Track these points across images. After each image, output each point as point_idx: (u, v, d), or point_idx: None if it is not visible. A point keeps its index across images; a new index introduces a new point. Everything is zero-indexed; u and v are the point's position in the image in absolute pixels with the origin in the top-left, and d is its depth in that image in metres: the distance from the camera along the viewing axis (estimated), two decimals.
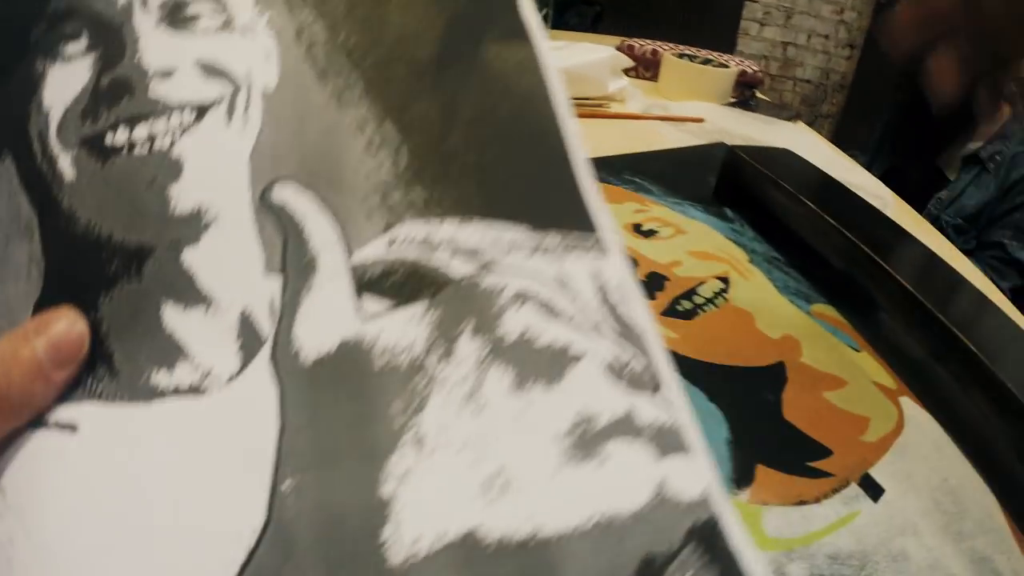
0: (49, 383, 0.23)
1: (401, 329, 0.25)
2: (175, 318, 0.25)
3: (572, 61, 0.88)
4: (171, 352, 0.24)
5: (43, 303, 0.25)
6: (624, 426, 0.24)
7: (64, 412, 0.23)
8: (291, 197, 0.27)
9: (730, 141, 0.57)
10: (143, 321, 0.25)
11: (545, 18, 1.13)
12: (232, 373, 0.24)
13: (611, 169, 0.65)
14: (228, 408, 0.24)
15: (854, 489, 0.36)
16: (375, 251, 0.27)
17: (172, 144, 0.27)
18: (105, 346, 0.24)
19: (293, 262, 0.26)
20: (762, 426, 0.38)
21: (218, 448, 0.23)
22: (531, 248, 0.28)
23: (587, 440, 0.23)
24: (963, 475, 0.39)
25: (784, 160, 0.57)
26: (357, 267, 0.27)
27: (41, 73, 0.28)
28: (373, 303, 0.26)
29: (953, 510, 0.37)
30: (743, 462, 0.36)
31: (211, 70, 0.30)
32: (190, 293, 0.25)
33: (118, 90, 0.28)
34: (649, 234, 0.54)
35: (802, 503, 0.35)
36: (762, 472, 0.36)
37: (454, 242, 0.28)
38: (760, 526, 0.34)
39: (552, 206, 0.29)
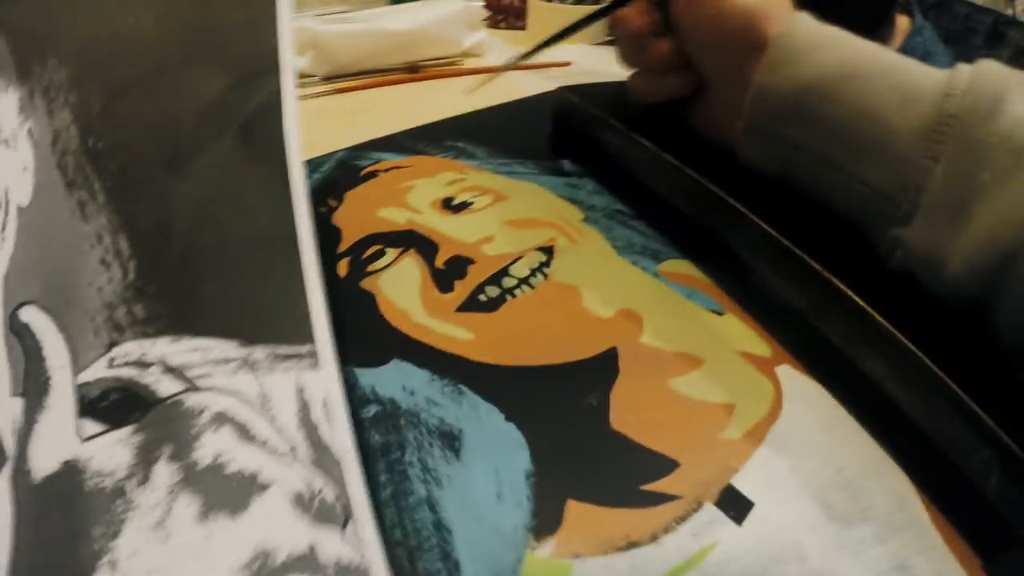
0: None
1: (110, 451, 0.26)
2: None
3: (420, 20, 0.79)
4: None
5: None
6: (305, 563, 0.24)
7: None
8: (32, 321, 0.29)
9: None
10: None
11: None
12: None
13: (431, 137, 0.54)
14: None
15: (709, 511, 0.27)
16: (96, 371, 0.28)
17: None
18: None
19: (30, 383, 0.28)
20: (578, 445, 0.28)
21: None
22: (238, 363, 0.29)
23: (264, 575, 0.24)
24: (864, 459, 0.30)
25: (623, 94, 0.47)
26: (82, 386, 0.28)
27: None
28: (92, 424, 0.27)
29: (851, 510, 0.28)
30: (548, 499, 0.26)
31: None
32: None
33: None
34: (460, 208, 0.43)
35: (632, 546, 0.26)
36: (574, 510, 0.26)
37: (164, 360, 0.29)
38: None
39: (265, 317, 0.30)
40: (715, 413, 0.31)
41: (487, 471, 0.27)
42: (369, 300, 0.36)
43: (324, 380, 0.28)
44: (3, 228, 0.31)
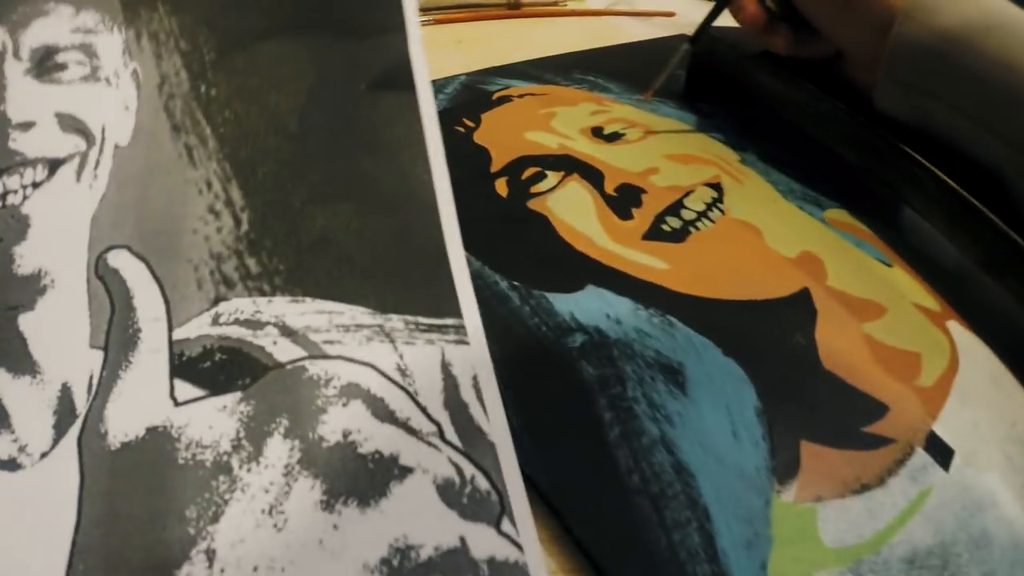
0: None
1: (211, 420, 0.24)
2: (6, 384, 0.24)
3: None
4: None
5: None
6: (453, 559, 0.22)
7: None
8: (123, 266, 0.27)
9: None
10: None
11: None
12: (44, 450, 0.23)
13: (557, 69, 0.53)
14: (34, 491, 0.22)
15: (921, 457, 0.27)
16: (198, 327, 0.26)
17: (24, 200, 0.27)
18: None
19: (116, 335, 0.25)
20: (798, 382, 0.28)
21: (18, 537, 0.22)
22: (373, 330, 0.26)
23: (405, 574, 0.21)
24: None
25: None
26: (178, 343, 0.25)
27: None
28: (188, 386, 0.24)
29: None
30: (783, 440, 0.25)
31: (69, 123, 0.29)
32: (21, 360, 0.24)
33: None
34: (613, 138, 0.42)
35: (864, 488, 0.25)
36: (808, 451, 0.26)
37: (283, 321, 0.26)
38: (816, 534, 0.24)
39: (405, 283, 0.28)
40: (908, 360, 0.30)
41: (717, 408, 0.27)
42: (542, 222, 0.35)
43: (474, 356, 0.26)
44: (96, 166, 0.29)
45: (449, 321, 0.26)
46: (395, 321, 0.26)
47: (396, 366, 0.25)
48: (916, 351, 0.31)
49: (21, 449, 0.23)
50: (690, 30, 0.66)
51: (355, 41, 0.35)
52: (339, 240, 0.28)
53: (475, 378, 0.25)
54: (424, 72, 0.34)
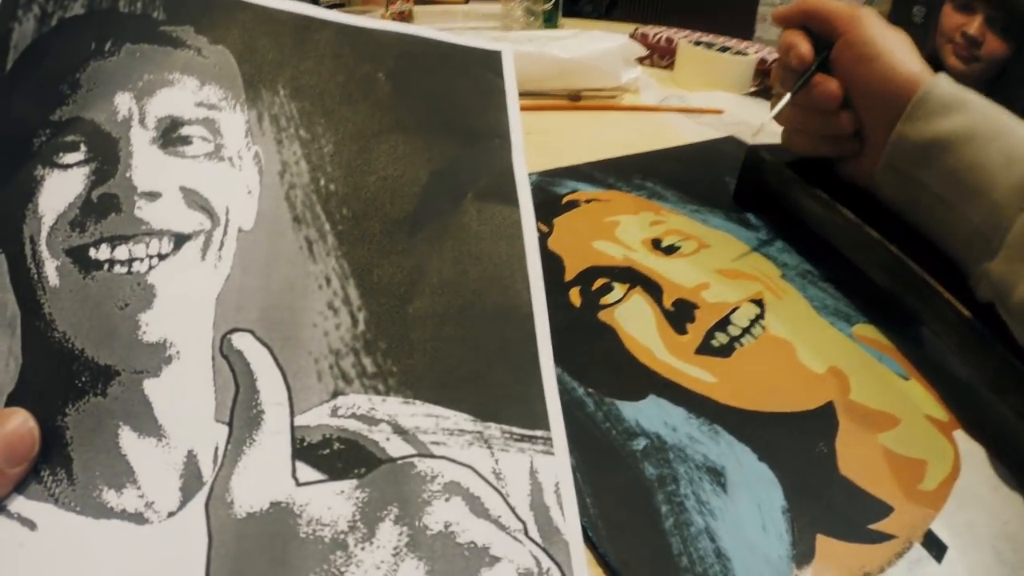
0: (4, 478, 0.24)
1: (330, 501, 0.26)
2: (131, 442, 0.26)
3: (583, 51, 0.85)
4: (122, 474, 0.25)
5: (15, 398, 0.25)
6: None
7: (27, 507, 0.24)
8: (248, 349, 0.28)
9: (751, 134, 0.54)
10: (102, 437, 0.25)
11: (556, 5, 1.09)
12: (171, 510, 0.25)
13: (620, 173, 0.60)
14: (163, 546, 0.24)
15: (918, 551, 0.34)
16: (318, 417, 0.28)
17: (150, 269, 0.28)
18: (67, 452, 0.25)
19: (241, 413, 0.27)
20: (818, 485, 0.34)
21: None
22: (474, 436, 0.29)
23: None
24: (1023, 516, 0.37)
25: (812, 158, 0.54)
26: (299, 429, 0.27)
27: (40, 179, 0.29)
28: (308, 470, 0.27)
29: (1013, 559, 0.35)
30: (802, 534, 0.32)
31: (194, 199, 0.30)
32: (147, 422, 0.26)
33: (106, 206, 0.29)
34: (670, 250, 0.49)
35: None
36: (823, 544, 0.33)
37: (395, 420, 0.29)
38: None
39: (503, 394, 0.31)
40: (913, 467, 0.37)
41: (751, 505, 0.33)
42: (611, 333, 0.42)
43: (557, 466, 0.29)
44: (220, 247, 0.30)
45: (539, 433, 0.30)
46: (493, 429, 0.30)
47: (492, 470, 0.28)
48: (923, 459, 0.37)
49: (148, 505, 0.25)
50: (737, 128, 0.74)
51: (464, 145, 0.37)
52: (446, 350, 0.31)
53: (557, 485, 0.29)
54: (526, 185, 0.37)
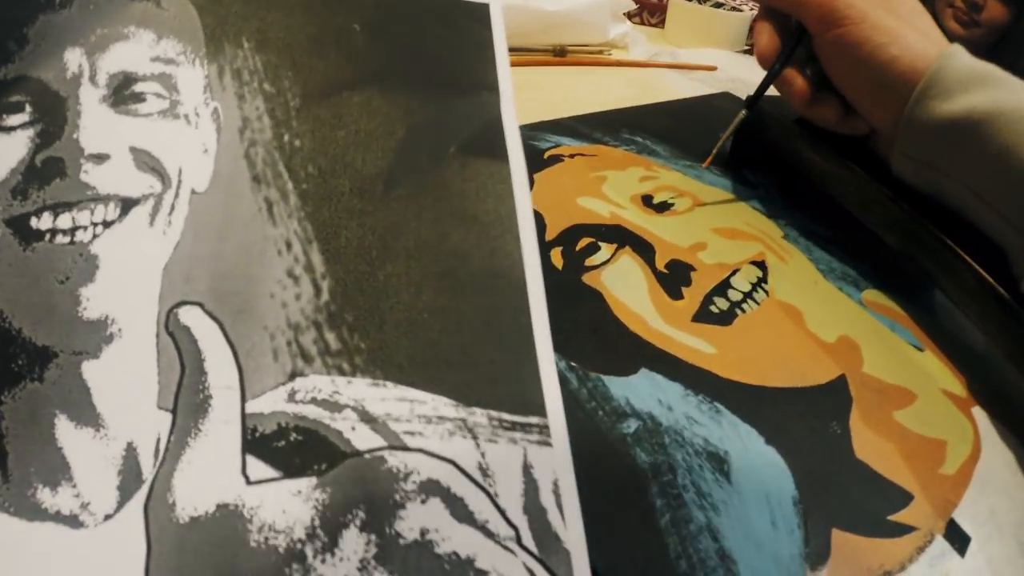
0: None
1: (285, 504, 0.23)
2: (67, 434, 0.23)
3: (569, 3, 0.81)
4: (58, 471, 0.23)
5: None
6: None
7: None
8: (195, 325, 0.26)
9: (745, 92, 0.50)
10: (39, 428, 0.23)
11: None
12: (108, 512, 0.22)
13: (607, 127, 0.55)
14: (96, 553, 0.22)
15: (940, 544, 0.30)
16: (273, 402, 0.25)
17: (94, 238, 0.27)
18: (1, 444, 0.23)
19: (186, 399, 0.24)
20: (832, 472, 0.30)
21: None
22: (455, 424, 0.25)
23: None
24: None
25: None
26: (251, 416, 0.24)
27: None
28: (260, 465, 0.24)
29: None
30: (816, 529, 0.28)
31: (144, 161, 0.29)
32: (84, 411, 0.24)
33: (51, 171, 0.27)
34: (662, 208, 0.45)
35: (887, 575, 0.30)
36: (839, 539, 0.29)
37: (362, 406, 0.25)
38: None
39: (491, 374, 0.27)
40: (932, 448, 0.33)
41: (758, 497, 0.29)
42: (597, 298, 0.37)
43: (556, 460, 0.25)
44: (171, 211, 0.28)
45: (534, 420, 0.26)
46: (479, 416, 0.26)
47: (478, 465, 0.25)
48: (942, 439, 0.34)
49: (84, 506, 0.22)
50: (732, 85, 0.70)
51: (447, 98, 0.34)
52: (424, 322, 0.27)
53: (555, 483, 0.25)
54: (517, 139, 0.33)
